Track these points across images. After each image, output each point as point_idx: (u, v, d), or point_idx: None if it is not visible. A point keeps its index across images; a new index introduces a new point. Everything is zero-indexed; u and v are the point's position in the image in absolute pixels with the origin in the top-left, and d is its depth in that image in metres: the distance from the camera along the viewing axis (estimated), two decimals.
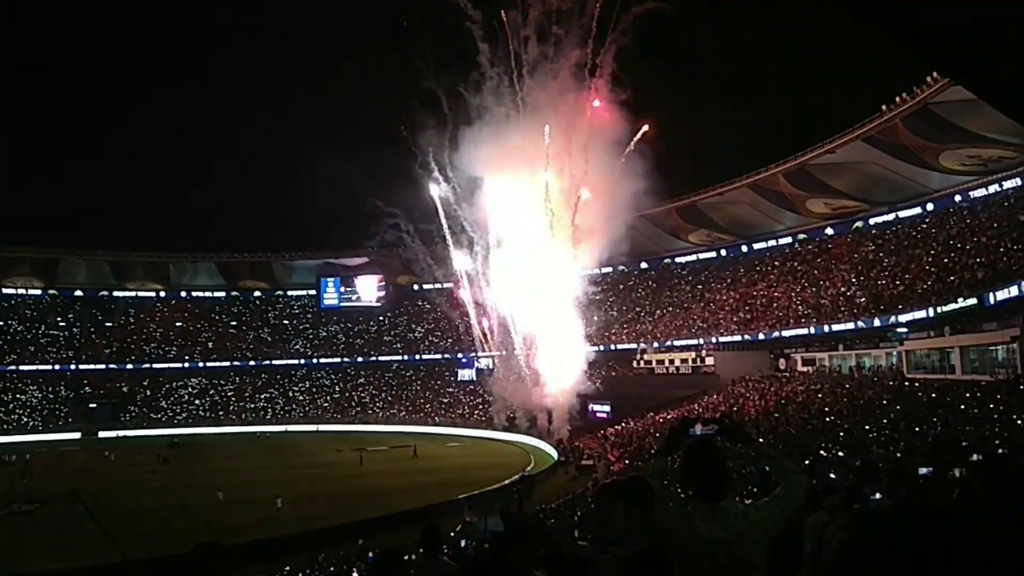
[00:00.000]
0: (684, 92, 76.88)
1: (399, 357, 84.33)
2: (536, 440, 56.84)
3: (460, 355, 77.70)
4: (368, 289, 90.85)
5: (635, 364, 62.09)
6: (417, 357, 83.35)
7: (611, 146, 53.70)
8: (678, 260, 74.25)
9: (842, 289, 50.11)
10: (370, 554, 22.54)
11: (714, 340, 56.40)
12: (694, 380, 54.16)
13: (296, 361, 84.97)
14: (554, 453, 50.63)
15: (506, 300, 63.19)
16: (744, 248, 67.45)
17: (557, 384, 57.85)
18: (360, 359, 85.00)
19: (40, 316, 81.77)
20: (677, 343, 59.81)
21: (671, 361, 58.84)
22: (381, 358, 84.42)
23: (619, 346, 66.14)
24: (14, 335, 78.41)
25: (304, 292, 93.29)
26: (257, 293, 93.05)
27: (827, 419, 32.31)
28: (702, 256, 72.24)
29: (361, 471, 45.47)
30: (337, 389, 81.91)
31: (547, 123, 55.74)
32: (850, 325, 45.60)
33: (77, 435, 66.35)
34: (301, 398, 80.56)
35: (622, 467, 38.95)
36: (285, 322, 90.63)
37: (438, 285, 79.90)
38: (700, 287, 67.84)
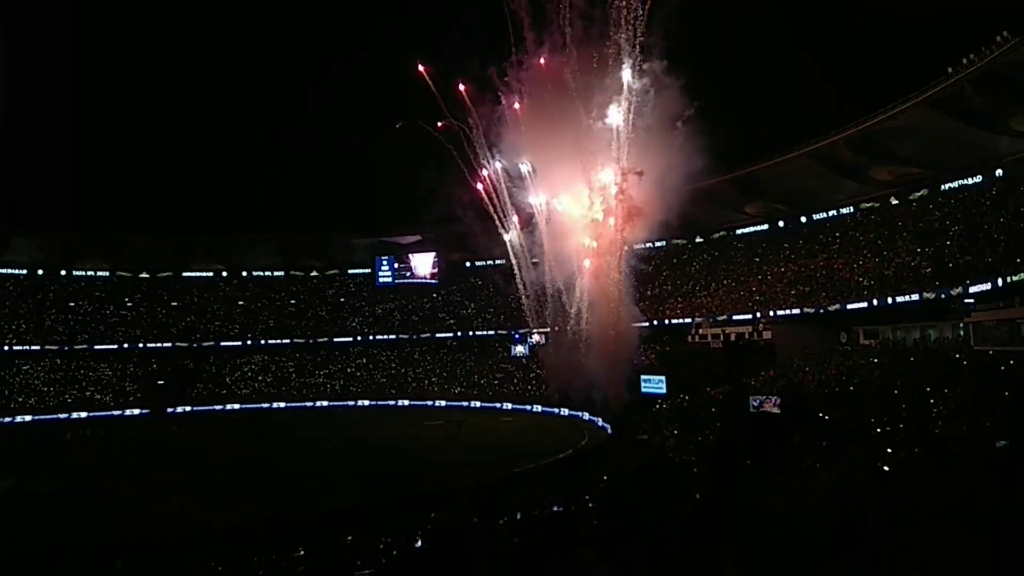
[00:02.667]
0: (737, 60, 74.79)
1: (453, 333, 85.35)
2: (590, 415, 57.04)
3: (513, 331, 78.19)
4: (422, 266, 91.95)
5: (690, 339, 61.46)
6: (470, 333, 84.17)
7: (663, 119, 52.68)
8: (734, 233, 72.89)
9: (906, 260, 48.53)
10: (428, 525, 23.12)
11: (772, 314, 55.38)
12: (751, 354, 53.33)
13: (353, 338, 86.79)
14: (608, 428, 50.75)
15: (557, 276, 63.21)
16: (803, 219, 65.73)
17: (610, 359, 57.70)
18: (415, 335, 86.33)
19: (108, 297, 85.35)
20: (734, 317, 58.95)
21: (727, 335, 58.01)
22: (435, 334, 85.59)
23: (673, 320, 65.56)
24: (85, 316, 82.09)
25: (360, 271, 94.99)
26: (315, 272, 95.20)
27: (891, 393, 31.50)
28: (759, 228, 70.71)
29: (417, 445, 46.39)
30: (393, 365, 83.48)
31: (593, 101, 55.07)
32: (915, 297, 44.15)
33: (146, 411, 69.35)
34: (359, 374, 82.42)
35: (676, 441, 38.80)
36: (342, 300, 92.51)
37: (491, 262, 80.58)
38: (757, 260, 66.52)
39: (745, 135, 66.58)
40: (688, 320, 63.45)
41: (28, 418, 66.70)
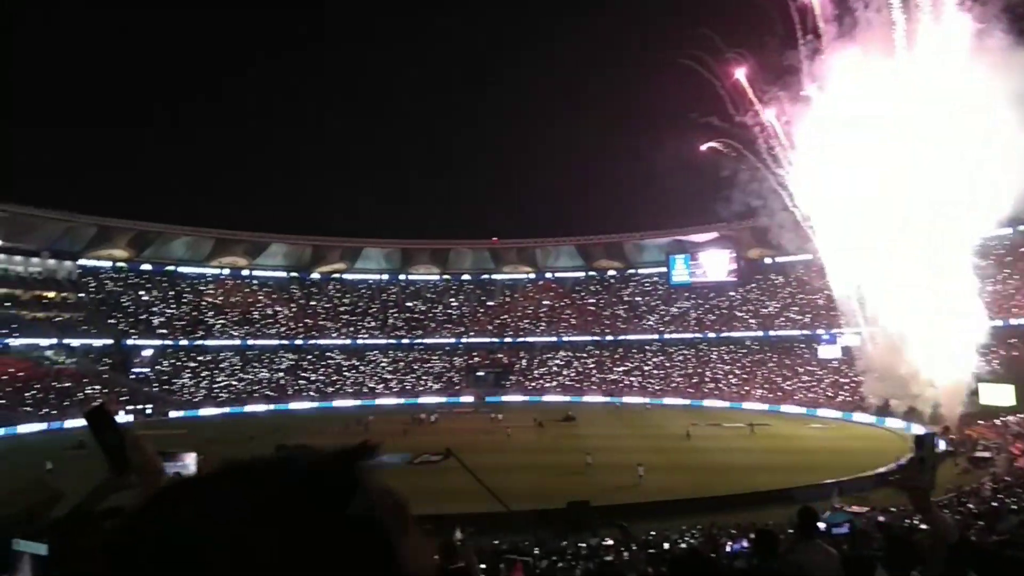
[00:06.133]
0: None
1: (752, 333, 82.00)
2: (917, 426, 50.93)
3: (821, 331, 72.70)
4: (717, 264, 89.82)
5: None
6: (771, 333, 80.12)
7: (1007, 92, 45.11)
8: None
9: None
10: (733, 531, 22.95)
11: None
12: None
13: (649, 336, 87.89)
14: (940, 442, 44.93)
15: (874, 269, 57.25)
16: None
17: (943, 364, 50.92)
18: (711, 335, 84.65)
19: (437, 297, 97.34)
20: None
21: None
22: (733, 334, 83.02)
23: (1022, 320, 55.79)
24: (419, 314, 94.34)
25: (655, 270, 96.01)
26: (611, 272, 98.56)
27: None
28: None
29: (714, 447, 45.58)
30: (690, 364, 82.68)
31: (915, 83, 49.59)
32: None
33: (470, 399, 77.65)
34: (656, 372, 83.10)
35: None
36: (638, 299, 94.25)
37: (794, 257, 75.87)
38: None
39: None
40: None
41: (387, 401, 77.97)
